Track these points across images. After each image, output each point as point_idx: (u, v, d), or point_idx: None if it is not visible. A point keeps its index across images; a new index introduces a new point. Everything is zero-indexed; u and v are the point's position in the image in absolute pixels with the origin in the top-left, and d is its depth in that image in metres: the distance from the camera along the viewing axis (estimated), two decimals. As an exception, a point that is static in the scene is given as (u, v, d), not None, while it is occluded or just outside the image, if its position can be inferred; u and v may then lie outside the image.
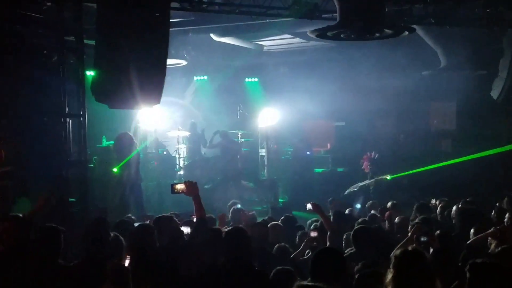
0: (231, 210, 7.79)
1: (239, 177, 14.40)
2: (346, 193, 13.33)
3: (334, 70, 15.25)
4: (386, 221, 8.02)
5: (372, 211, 8.66)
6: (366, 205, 9.52)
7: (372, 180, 13.27)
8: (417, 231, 5.60)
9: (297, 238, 6.95)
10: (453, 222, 7.40)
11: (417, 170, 11.99)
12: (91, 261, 4.94)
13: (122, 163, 10.92)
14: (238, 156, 14.68)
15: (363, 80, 15.05)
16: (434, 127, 16.16)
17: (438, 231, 6.05)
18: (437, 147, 15.55)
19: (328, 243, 6.19)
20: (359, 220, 7.31)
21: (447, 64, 13.90)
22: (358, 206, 6.19)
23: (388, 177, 12.86)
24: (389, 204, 8.92)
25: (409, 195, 11.60)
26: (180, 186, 5.58)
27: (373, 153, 14.25)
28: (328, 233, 6.32)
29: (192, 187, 5.56)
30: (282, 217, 8.14)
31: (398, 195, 10.97)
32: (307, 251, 6.10)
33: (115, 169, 10.99)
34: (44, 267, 4.95)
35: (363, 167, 14.25)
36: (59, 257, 5.17)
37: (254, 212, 8.58)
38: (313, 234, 6.10)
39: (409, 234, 5.70)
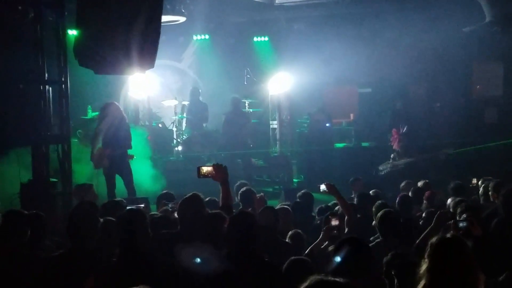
0: (239, 192, 7.84)
1: (248, 154, 14.46)
2: (381, 172, 13.25)
3: (359, 27, 15.15)
4: (426, 202, 8.06)
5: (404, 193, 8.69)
6: (400, 186, 9.55)
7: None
8: (442, 219, 5.66)
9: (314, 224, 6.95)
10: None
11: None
12: (76, 252, 4.99)
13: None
14: (246, 130, 14.70)
15: (393, 38, 14.97)
16: (476, 94, 16.08)
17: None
18: (480, 116, 15.50)
19: (346, 230, 6.23)
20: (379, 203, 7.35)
21: (493, 19, 13.78)
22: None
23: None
24: (420, 183, 8.96)
25: (445, 174, 11.62)
26: (207, 169, 5.78)
27: (402, 127, 14.19)
28: (346, 218, 6.37)
29: (221, 171, 5.75)
30: (299, 194, 8.23)
31: (431, 174, 10.99)
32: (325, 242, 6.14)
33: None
34: (17, 258, 5.03)
35: (392, 143, 14.19)
36: (37, 246, 5.25)
37: (262, 194, 8.65)
38: (334, 222, 6.15)
39: (433, 222, 5.76)
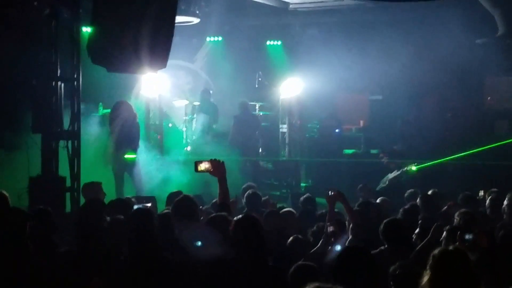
0: (245, 195, 7.84)
1: (257, 156, 14.48)
2: (378, 189, 13.27)
3: (372, 34, 15.13)
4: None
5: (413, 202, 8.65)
6: (405, 195, 9.53)
7: (400, 172, 13.15)
8: (437, 232, 5.65)
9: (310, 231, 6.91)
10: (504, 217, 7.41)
11: (458, 155, 11.90)
12: (83, 250, 5.02)
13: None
14: (257, 132, 14.73)
15: (405, 47, 14.93)
16: (488, 105, 16.02)
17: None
18: (490, 128, 15.43)
19: (350, 237, 6.22)
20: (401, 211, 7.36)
21: (506, 31, 13.74)
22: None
23: (414, 168, 12.70)
24: (429, 192, 8.94)
25: (454, 185, 11.57)
26: (205, 165, 5.67)
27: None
28: (351, 226, 6.37)
29: (218, 167, 5.69)
30: (301, 199, 8.22)
31: (440, 185, 10.95)
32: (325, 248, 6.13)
33: (127, 156, 11.12)
34: (24, 254, 5.07)
35: (385, 163, 14.07)
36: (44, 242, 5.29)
37: (267, 197, 8.65)
38: (331, 228, 6.14)
39: (430, 234, 5.76)
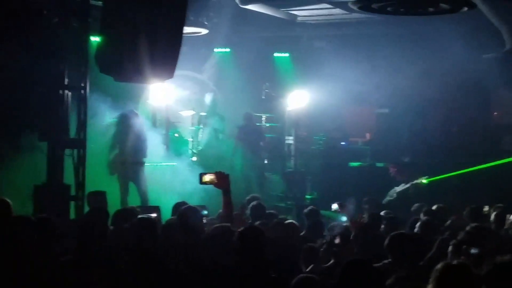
0: (250, 206, 7.83)
1: (262, 168, 14.46)
2: (384, 202, 13.24)
3: (379, 48, 15.14)
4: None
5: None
6: (412, 209, 9.50)
7: (409, 185, 13.12)
8: (441, 246, 5.63)
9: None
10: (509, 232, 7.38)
11: (465, 170, 11.90)
12: (84, 258, 5.01)
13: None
14: (261, 143, 14.73)
15: (412, 61, 14.94)
16: (494, 120, 15.98)
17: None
18: (497, 143, 15.40)
19: (354, 248, 6.20)
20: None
21: (513, 47, 13.72)
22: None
23: (424, 181, 12.67)
24: (434, 207, 8.91)
25: (460, 199, 11.53)
26: (209, 177, 5.73)
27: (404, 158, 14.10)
28: (352, 235, 6.35)
29: (223, 179, 5.75)
30: (305, 211, 8.21)
31: (445, 199, 10.92)
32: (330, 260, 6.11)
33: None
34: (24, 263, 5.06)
35: (392, 175, 14.04)
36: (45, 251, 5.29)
37: (274, 211, 8.63)
38: (337, 240, 6.13)
39: (433, 250, 5.74)
